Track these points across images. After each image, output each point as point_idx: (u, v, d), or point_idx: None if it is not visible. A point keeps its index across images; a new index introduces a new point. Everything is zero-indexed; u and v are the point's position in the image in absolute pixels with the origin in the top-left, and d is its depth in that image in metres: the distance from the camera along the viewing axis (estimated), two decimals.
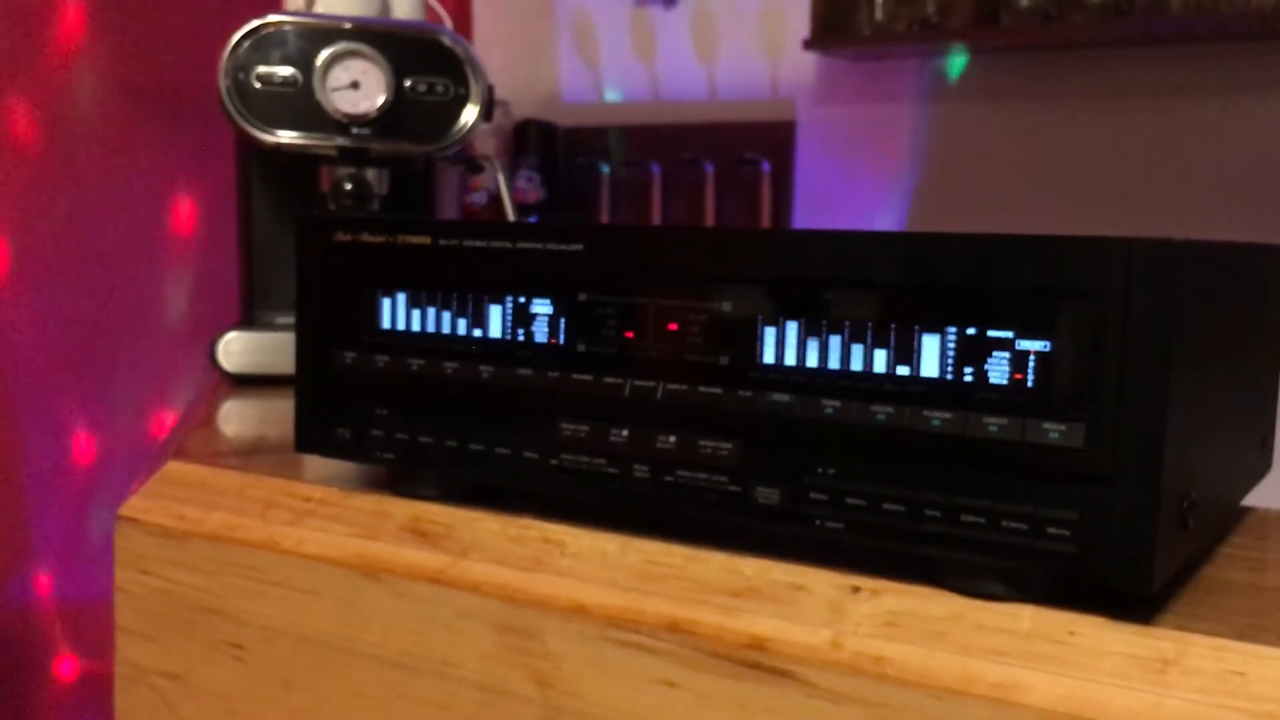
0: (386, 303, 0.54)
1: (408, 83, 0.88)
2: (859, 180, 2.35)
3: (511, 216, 1.10)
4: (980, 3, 2.05)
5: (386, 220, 0.54)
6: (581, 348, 0.49)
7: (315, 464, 0.61)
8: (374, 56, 0.87)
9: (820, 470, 0.43)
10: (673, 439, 0.47)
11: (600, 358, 0.48)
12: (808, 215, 2.38)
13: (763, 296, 0.44)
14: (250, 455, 0.65)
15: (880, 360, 0.42)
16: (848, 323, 0.43)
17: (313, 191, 0.93)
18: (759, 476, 0.45)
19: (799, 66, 2.37)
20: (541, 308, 0.50)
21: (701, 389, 0.46)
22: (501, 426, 0.51)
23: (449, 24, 0.99)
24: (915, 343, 0.41)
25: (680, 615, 0.45)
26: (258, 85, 0.86)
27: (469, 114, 0.90)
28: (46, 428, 1.67)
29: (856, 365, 0.43)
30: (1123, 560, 0.38)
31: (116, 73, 1.65)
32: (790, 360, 0.44)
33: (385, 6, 0.96)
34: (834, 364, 0.43)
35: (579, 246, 0.49)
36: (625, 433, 0.48)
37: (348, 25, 0.88)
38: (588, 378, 0.48)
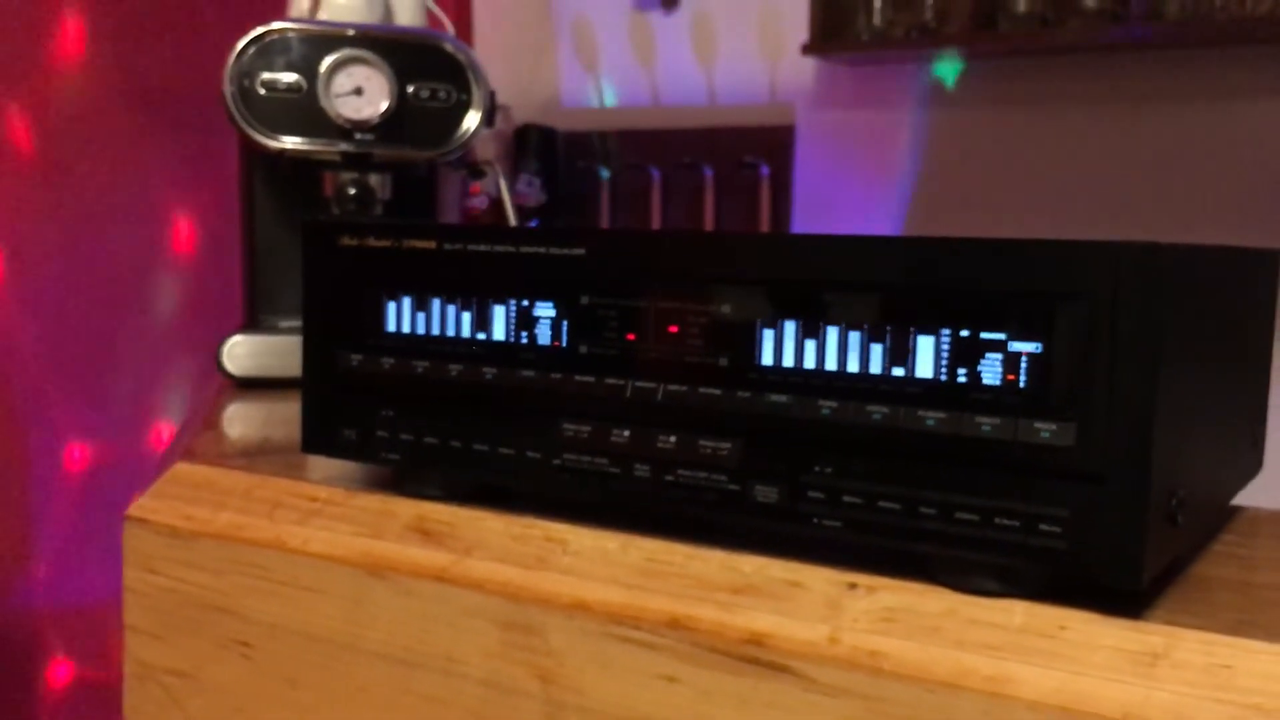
0: (392, 306, 0.55)
1: (410, 89, 0.89)
2: (857, 184, 2.36)
3: (513, 220, 1.11)
4: (977, 8, 2.06)
5: (392, 225, 0.55)
6: (583, 350, 0.49)
7: (321, 465, 0.61)
8: (377, 63, 0.88)
9: (817, 469, 0.44)
10: (673, 439, 0.47)
11: (602, 359, 0.49)
12: (806, 219, 2.39)
13: (761, 299, 0.45)
14: (256, 456, 0.66)
15: (876, 361, 0.43)
16: (844, 325, 0.44)
17: (316, 196, 0.94)
18: (757, 475, 0.46)
19: (797, 71, 2.38)
20: (544, 310, 0.50)
21: (701, 390, 0.47)
22: (505, 427, 0.52)
23: (451, 30, 1.00)
24: (910, 344, 0.42)
25: (680, 612, 0.46)
26: (262, 91, 0.87)
27: (471, 119, 0.91)
28: (41, 435, 1.68)
29: (853, 366, 0.43)
30: (1113, 556, 0.39)
31: (116, 83, 1.66)
32: (788, 361, 0.45)
33: (388, 13, 0.97)
34: (831, 365, 0.44)
35: (581, 251, 0.49)
36: (626, 433, 0.49)
37: (351, 32, 0.88)
38: (590, 379, 0.49)
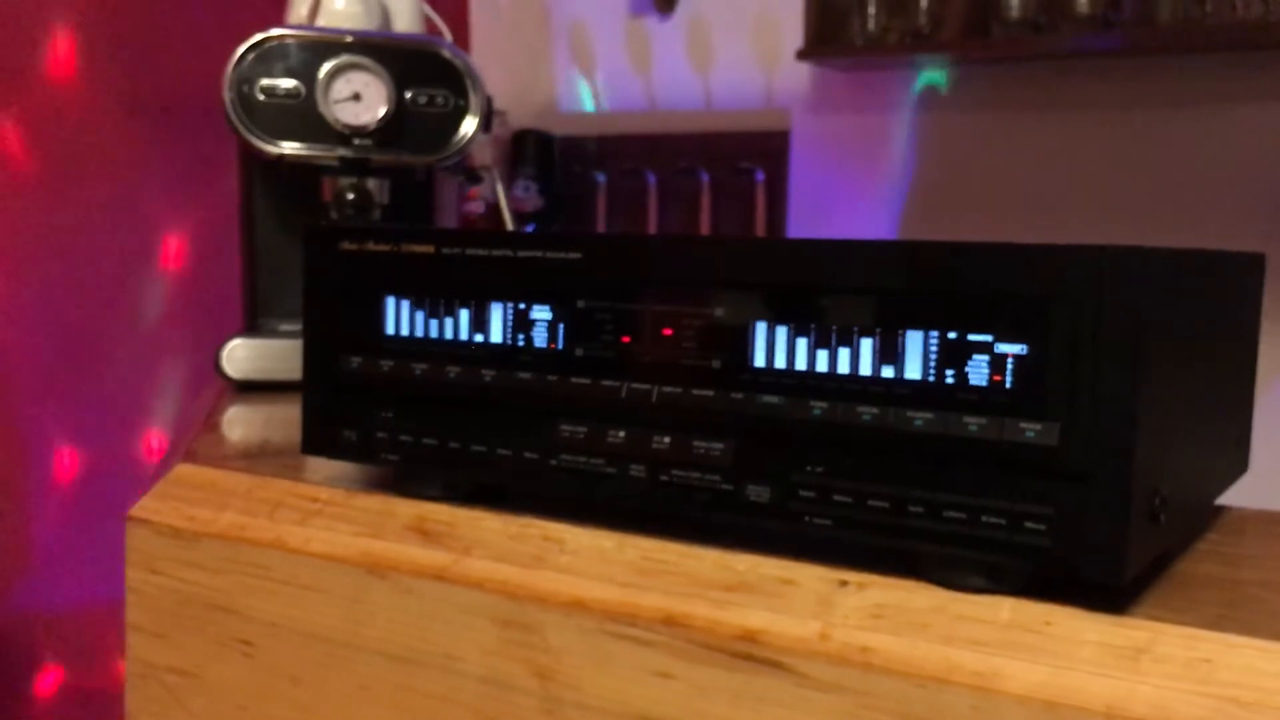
0: (391, 309, 0.55)
1: (408, 95, 0.90)
2: (852, 188, 2.38)
3: (510, 225, 1.12)
4: (971, 14, 2.07)
5: (391, 230, 0.56)
6: (580, 352, 0.50)
7: (321, 466, 0.62)
8: (375, 69, 0.89)
9: (809, 469, 0.45)
10: (667, 439, 0.48)
11: (598, 362, 0.50)
12: (802, 223, 2.40)
13: (753, 302, 0.46)
14: (257, 458, 0.67)
15: (866, 363, 0.44)
16: (835, 327, 0.45)
17: (315, 201, 0.95)
18: (750, 475, 0.47)
19: (793, 77, 2.39)
20: (541, 314, 0.51)
21: (695, 391, 0.48)
22: (502, 428, 0.53)
23: (448, 36, 1.01)
24: (899, 346, 0.43)
25: (675, 609, 0.47)
26: (261, 97, 0.88)
27: (468, 125, 0.92)
28: (30, 444, 1.69)
29: (843, 368, 0.44)
30: (1096, 553, 0.40)
31: (108, 98, 1.67)
32: (780, 363, 0.46)
33: (386, 20, 0.98)
34: (822, 367, 0.45)
35: (577, 255, 0.50)
36: (622, 434, 0.49)
37: (349, 39, 0.89)
38: (586, 381, 0.50)
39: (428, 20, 1.03)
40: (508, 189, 2.51)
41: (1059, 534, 0.41)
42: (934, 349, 0.43)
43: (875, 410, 0.43)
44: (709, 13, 2.52)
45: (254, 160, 0.96)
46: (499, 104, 1.04)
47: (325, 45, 0.89)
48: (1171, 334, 0.43)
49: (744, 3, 2.46)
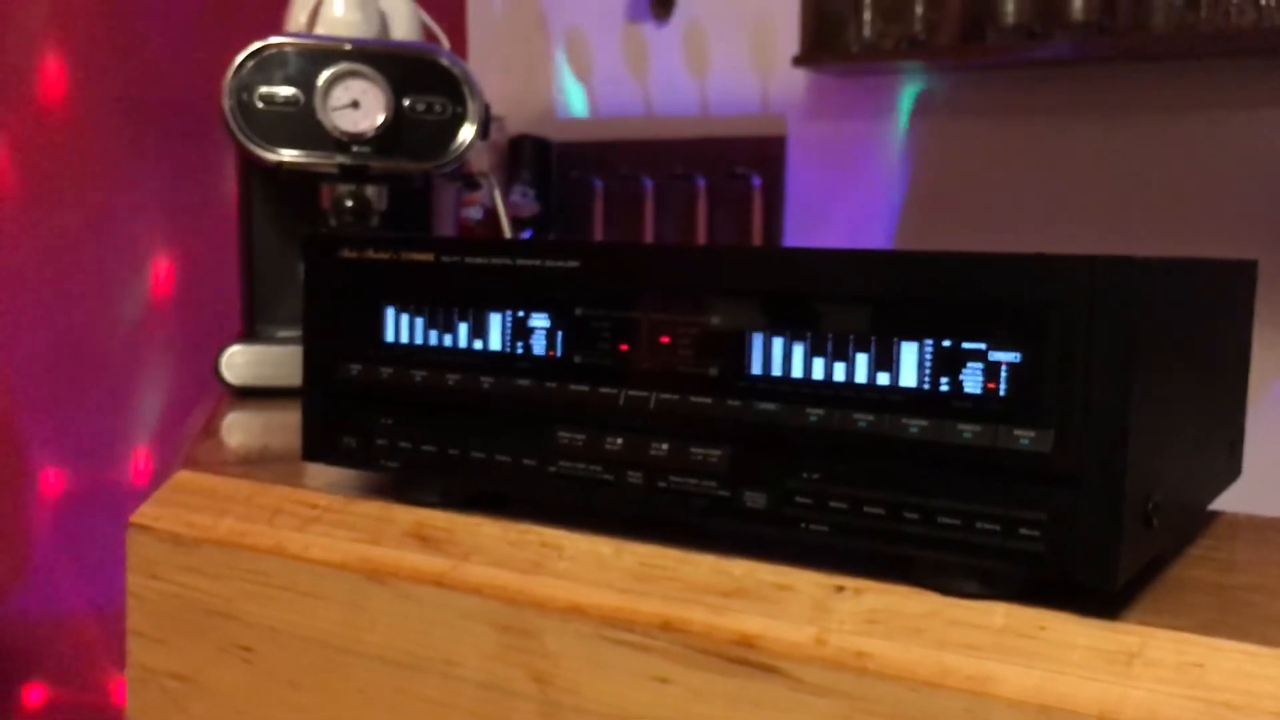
0: (390, 316, 0.56)
1: (406, 102, 0.91)
2: (848, 194, 2.38)
3: (507, 231, 1.13)
4: (966, 20, 2.08)
5: (391, 238, 0.56)
6: (578, 359, 0.51)
7: (320, 472, 0.63)
8: (374, 76, 0.89)
9: (805, 475, 0.46)
10: (665, 446, 0.49)
11: (596, 369, 0.50)
12: (798, 229, 2.41)
13: (750, 310, 0.47)
14: (256, 464, 0.67)
15: (861, 370, 0.44)
16: (831, 335, 0.45)
17: (313, 208, 0.95)
18: (747, 481, 0.47)
19: (789, 82, 2.40)
20: (539, 321, 0.52)
21: (692, 398, 0.48)
22: (501, 435, 0.53)
23: (446, 44, 1.01)
24: (894, 354, 0.44)
25: (672, 614, 0.47)
26: (260, 105, 0.88)
27: (466, 132, 0.92)
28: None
29: (839, 375, 0.45)
30: (1089, 558, 0.41)
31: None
32: (777, 371, 0.46)
33: (384, 28, 0.98)
34: (818, 374, 0.45)
35: (575, 263, 0.51)
36: (620, 440, 0.50)
37: (348, 46, 0.90)
38: (584, 388, 0.50)
39: (425, 28, 1.03)
40: (505, 195, 2.51)
41: (1052, 540, 0.41)
42: (929, 357, 0.43)
43: (871, 417, 0.44)
44: (705, 19, 2.52)
45: (253, 167, 0.97)
46: (496, 110, 1.05)
47: (324, 53, 0.89)
48: (1164, 341, 0.43)
49: (740, 9, 2.46)
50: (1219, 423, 0.55)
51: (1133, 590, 0.45)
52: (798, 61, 2.25)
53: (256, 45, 0.89)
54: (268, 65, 0.89)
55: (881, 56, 2.20)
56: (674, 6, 2.55)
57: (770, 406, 0.46)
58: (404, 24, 1.00)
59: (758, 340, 0.47)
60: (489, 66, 2.50)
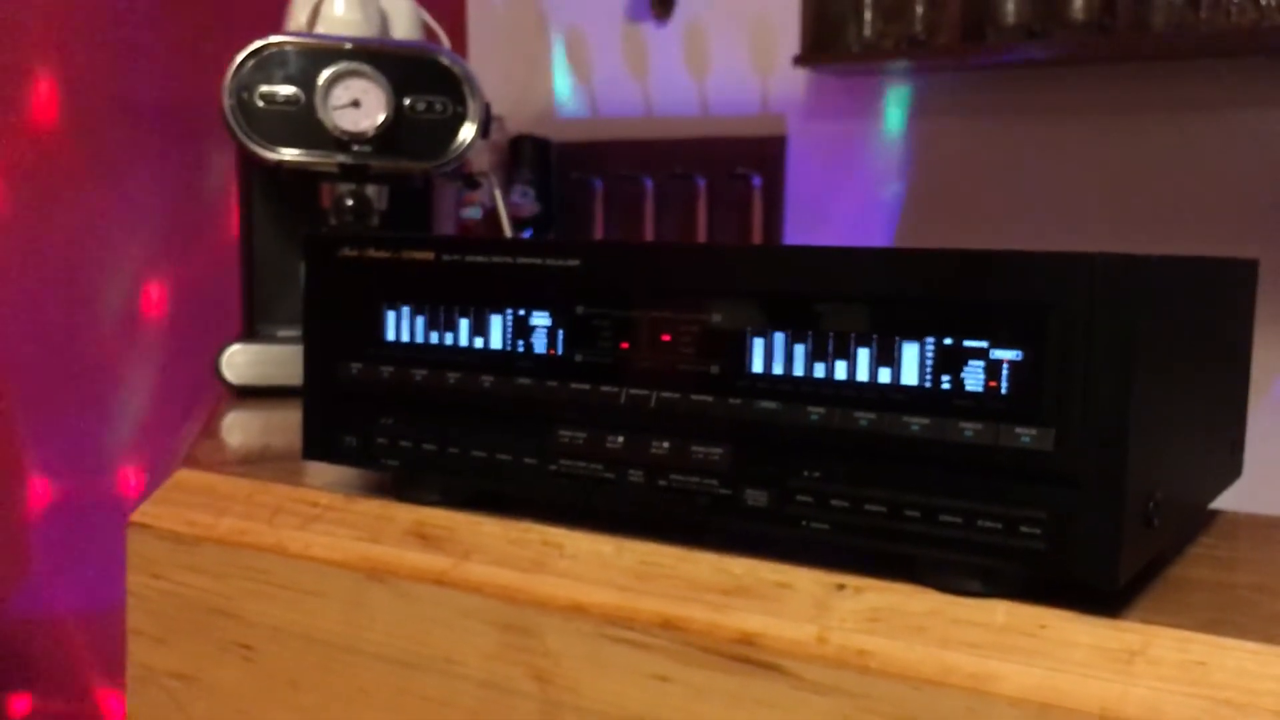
0: (391, 315, 0.56)
1: (407, 101, 0.91)
2: (848, 194, 2.38)
3: (508, 230, 1.13)
4: (966, 20, 2.08)
5: (391, 237, 0.56)
6: (579, 358, 0.51)
7: (321, 471, 0.63)
8: (374, 76, 0.89)
9: (806, 473, 0.46)
10: (666, 445, 0.49)
11: (596, 367, 0.50)
12: (799, 228, 2.41)
13: (750, 309, 0.47)
14: (257, 463, 0.67)
15: (862, 369, 0.44)
16: (832, 333, 0.45)
17: (314, 208, 0.95)
18: (748, 480, 0.47)
19: (789, 82, 2.40)
20: (540, 320, 0.52)
21: (693, 397, 0.48)
22: (502, 434, 0.53)
23: (446, 43, 1.01)
24: (895, 352, 0.44)
25: (673, 613, 0.47)
26: (261, 104, 0.88)
27: (467, 131, 0.92)
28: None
29: (840, 374, 0.45)
30: (1090, 557, 0.41)
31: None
32: (777, 369, 0.46)
33: (385, 27, 0.98)
34: (819, 373, 0.45)
35: (576, 262, 0.51)
36: (620, 439, 0.50)
37: (348, 45, 0.90)
38: (584, 387, 0.50)
39: (426, 27, 1.03)
40: (505, 194, 2.51)
41: (1053, 538, 0.41)
42: (930, 355, 0.43)
43: (872, 416, 0.44)
44: (705, 18, 2.52)
45: (253, 167, 0.97)
46: (496, 110, 1.05)
47: (324, 52, 0.89)
48: (1165, 340, 0.43)
49: (741, 9, 2.46)
50: (1220, 422, 0.55)
51: (1134, 589, 0.45)
52: (798, 61, 2.25)
53: (257, 44, 0.88)
54: (268, 64, 0.89)
55: (882, 56, 2.20)
56: (674, 6, 2.55)
57: (771, 405, 0.46)
58: (404, 23, 1.00)
59: (758, 338, 0.47)
60: (489, 66, 2.50)
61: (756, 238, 2.43)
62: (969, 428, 0.42)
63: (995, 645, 0.42)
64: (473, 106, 0.92)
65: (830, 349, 0.45)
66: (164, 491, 0.63)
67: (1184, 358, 0.47)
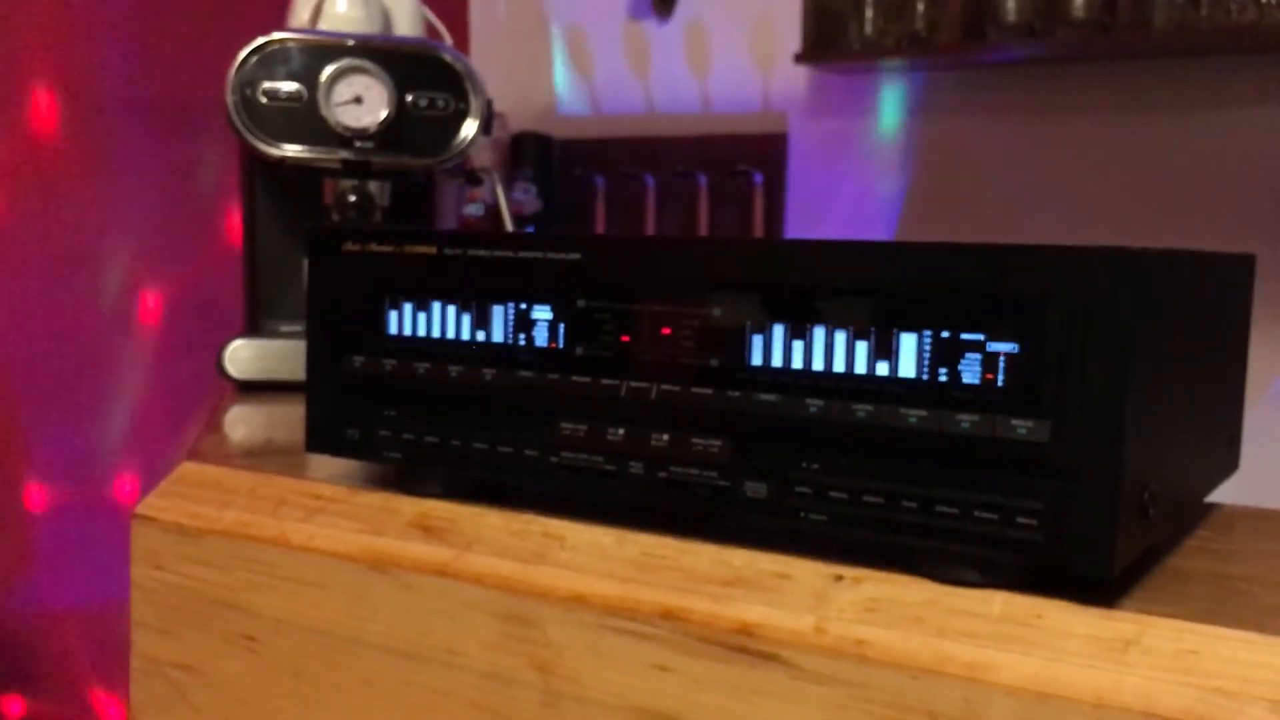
0: (393, 309, 0.56)
1: (409, 98, 0.91)
2: (850, 191, 2.38)
3: (510, 227, 1.13)
4: (967, 18, 2.08)
5: (394, 231, 0.56)
6: (580, 351, 0.51)
7: (324, 464, 0.63)
8: (376, 72, 0.90)
9: (805, 465, 0.46)
10: (666, 437, 0.49)
11: (597, 360, 0.51)
12: (800, 226, 2.41)
13: (750, 302, 0.47)
14: (260, 456, 0.67)
15: (861, 361, 0.45)
16: (830, 326, 0.45)
17: (317, 204, 0.96)
18: (747, 472, 0.47)
19: (790, 80, 2.40)
20: (542, 313, 0.52)
21: (693, 390, 0.48)
22: (503, 426, 0.53)
23: (449, 40, 1.01)
24: (893, 345, 0.44)
25: (673, 604, 0.47)
26: (264, 100, 0.89)
27: (469, 128, 0.93)
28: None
29: (839, 366, 0.45)
30: (1086, 547, 0.41)
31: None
32: (777, 362, 0.47)
33: (387, 23, 0.99)
34: (818, 365, 0.46)
35: (577, 255, 0.51)
36: (621, 431, 0.50)
37: (351, 42, 0.90)
38: (586, 379, 0.51)
39: (428, 24, 1.04)
40: (507, 192, 2.51)
41: (1050, 529, 0.41)
42: (928, 348, 0.43)
43: (870, 408, 0.44)
44: (707, 16, 2.53)
45: (256, 163, 0.97)
46: (498, 107, 1.05)
47: (327, 49, 0.89)
48: (1162, 333, 0.43)
49: (742, 6, 2.47)
50: (1217, 415, 0.56)
51: (1130, 579, 0.45)
52: (799, 59, 2.26)
53: (260, 41, 0.89)
54: (271, 61, 0.89)
55: (883, 54, 2.20)
56: (675, 4, 2.56)
57: (771, 397, 0.46)
58: (406, 20, 1.01)
59: (758, 331, 0.47)
60: (491, 63, 2.51)
61: (758, 235, 2.43)
62: (966, 420, 0.42)
63: (992, 635, 0.42)
64: (474, 103, 0.93)
65: (829, 342, 0.45)
66: (168, 484, 0.64)
67: (1181, 351, 0.47)
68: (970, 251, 0.43)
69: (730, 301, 0.48)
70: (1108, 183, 2.12)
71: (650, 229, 2.55)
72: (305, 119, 0.89)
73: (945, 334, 0.43)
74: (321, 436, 0.59)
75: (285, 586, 0.57)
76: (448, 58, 0.93)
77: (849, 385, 0.45)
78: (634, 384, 0.50)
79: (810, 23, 2.22)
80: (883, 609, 0.44)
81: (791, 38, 2.28)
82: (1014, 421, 0.42)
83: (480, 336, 0.54)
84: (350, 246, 0.57)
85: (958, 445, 0.43)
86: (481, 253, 0.54)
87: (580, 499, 0.54)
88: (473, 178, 1.11)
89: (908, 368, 0.44)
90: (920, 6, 2.14)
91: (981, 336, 0.42)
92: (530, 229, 2.54)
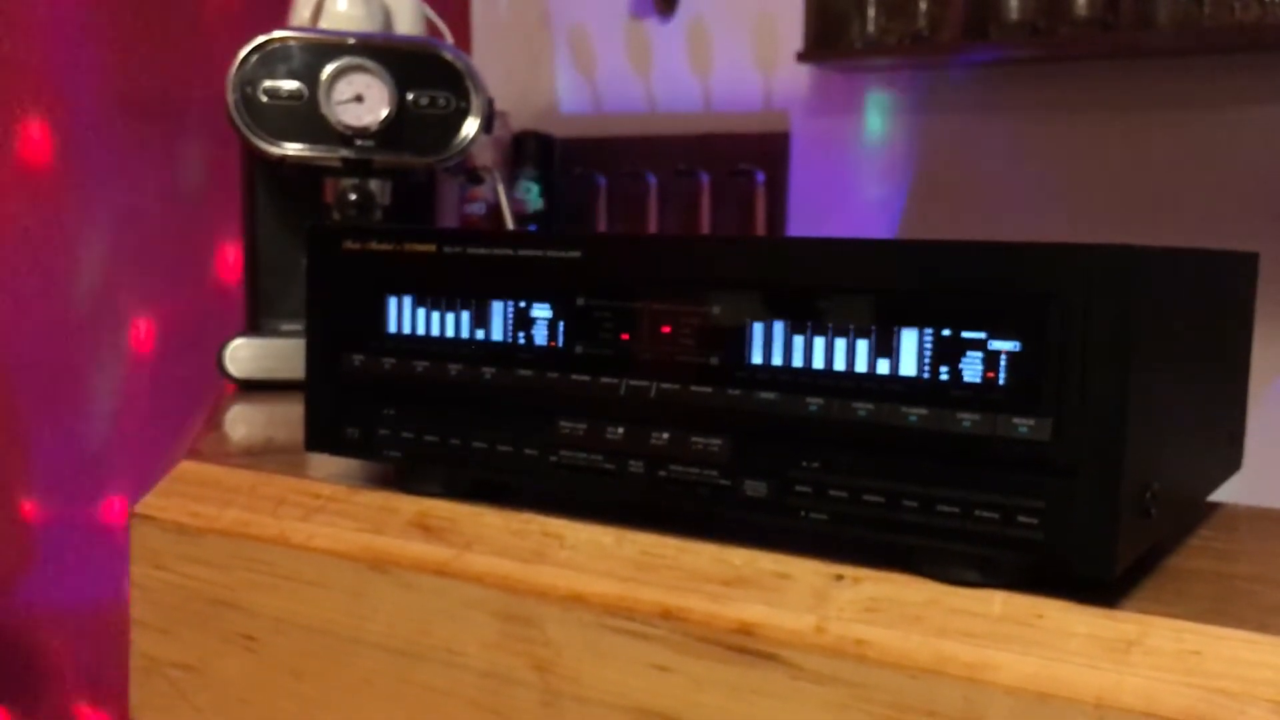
0: (393, 307, 0.56)
1: (410, 96, 0.91)
2: (852, 190, 2.38)
3: (511, 226, 1.13)
4: (970, 16, 2.08)
5: (393, 230, 0.56)
6: (579, 350, 0.51)
7: (324, 463, 0.63)
8: (377, 71, 0.89)
9: (805, 464, 0.46)
10: (666, 436, 0.49)
11: (597, 359, 0.51)
12: (802, 225, 2.41)
13: (750, 300, 0.47)
14: (260, 455, 0.67)
15: (861, 360, 0.45)
16: (830, 325, 0.45)
17: (317, 202, 0.95)
18: (747, 471, 0.47)
19: (792, 78, 2.40)
20: (541, 312, 0.52)
21: (693, 388, 0.48)
22: (503, 425, 0.53)
23: (450, 39, 1.01)
24: (894, 343, 0.44)
25: (673, 603, 0.47)
26: (264, 99, 0.89)
27: (470, 126, 0.93)
28: None
29: (839, 365, 0.45)
30: (1087, 547, 0.41)
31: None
32: (776, 360, 0.46)
33: (388, 22, 0.99)
34: (818, 364, 0.45)
35: (577, 254, 0.51)
36: (621, 430, 0.50)
37: (351, 41, 0.90)
38: (585, 378, 0.51)
39: (429, 22, 1.04)
40: (509, 190, 2.51)
41: (1050, 528, 0.41)
42: (928, 346, 0.43)
43: (870, 406, 0.44)
44: (709, 15, 2.52)
45: (257, 162, 0.97)
46: (500, 106, 1.05)
47: (327, 47, 0.89)
48: (1164, 332, 0.43)
49: (744, 5, 2.46)
50: (1219, 414, 0.56)
51: (1131, 579, 0.45)
52: (801, 57, 2.25)
53: (261, 39, 0.89)
54: (272, 59, 0.89)
55: (885, 52, 2.20)
56: (677, 3, 2.55)
57: (770, 396, 0.46)
58: (407, 18, 1.00)
59: (758, 329, 0.47)
60: (493, 62, 2.51)
61: (760, 234, 2.43)
62: (967, 418, 0.42)
63: (992, 635, 0.42)
64: (475, 101, 0.93)
65: (829, 340, 0.45)
66: (168, 483, 0.63)
67: (1183, 349, 0.47)
68: (972, 249, 0.42)
69: (730, 299, 0.47)
70: (1110, 181, 2.11)
71: (652, 228, 2.55)
72: (306, 117, 0.89)
73: (946, 332, 0.43)
74: (321, 435, 0.59)
75: (285, 586, 0.57)
76: (449, 56, 0.93)
77: (849, 384, 0.45)
78: (634, 383, 0.50)
79: (812, 21, 2.22)
80: (883, 608, 0.44)
81: (793, 36, 2.27)
82: (1015, 420, 0.42)
83: (480, 335, 0.54)
84: (350, 245, 0.57)
85: (958, 444, 0.43)
86: (481, 251, 0.54)
87: (580, 498, 0.54)
88: (474, 176, 1.11)
89: (908, 366, 0.44)
90: (922, 5, 2.14)
91: (983, 335, 0.42)
92: (532, 228, 2.53)
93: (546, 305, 0.52)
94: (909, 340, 0.44)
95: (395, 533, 0.55)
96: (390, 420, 0.56)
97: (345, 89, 0.89)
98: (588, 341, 0.51)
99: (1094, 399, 0.40)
